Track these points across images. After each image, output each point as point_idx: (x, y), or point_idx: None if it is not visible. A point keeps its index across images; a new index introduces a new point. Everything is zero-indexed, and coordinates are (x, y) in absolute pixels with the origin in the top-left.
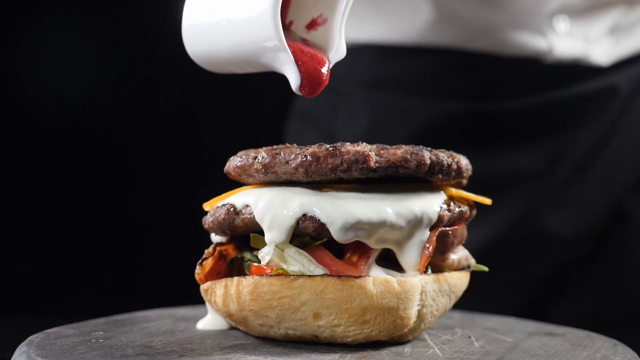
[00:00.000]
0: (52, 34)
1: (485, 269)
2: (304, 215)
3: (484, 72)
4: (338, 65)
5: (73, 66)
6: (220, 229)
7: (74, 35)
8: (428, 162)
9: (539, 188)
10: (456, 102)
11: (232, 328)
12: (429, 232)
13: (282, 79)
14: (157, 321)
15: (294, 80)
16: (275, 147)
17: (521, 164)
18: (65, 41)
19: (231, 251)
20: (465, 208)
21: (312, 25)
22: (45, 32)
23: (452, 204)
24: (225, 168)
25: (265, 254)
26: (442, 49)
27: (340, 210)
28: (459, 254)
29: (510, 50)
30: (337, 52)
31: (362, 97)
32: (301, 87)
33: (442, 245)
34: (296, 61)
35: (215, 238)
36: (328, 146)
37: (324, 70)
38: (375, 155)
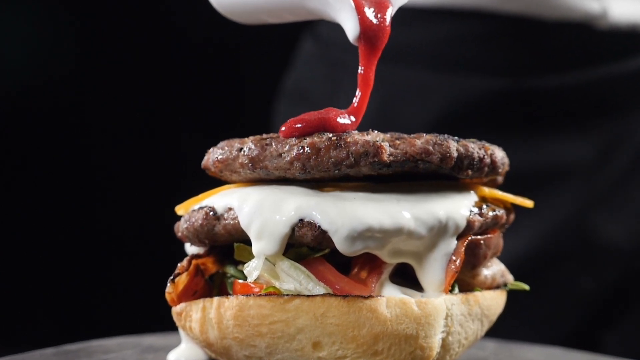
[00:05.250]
0: None
1: (526, 287)
2: (301, 220)
3: (522, 41)
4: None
5: (9, 31)
6: (197, 237)
7: None
8: (455, 154)
9: (591, 186)
10: (488, 78)
11: None
12: (455, 242)
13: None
14: (119, 352)
15: (352, 29)
16: (265, 136)
17: (569, 156)
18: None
19: (210, 265)
20: (500, 212)
21: None
22: None
23: (484, 206)
24: (204, 162)
25: (252, 269)
26: (471, 12)
27: (345, 214)
28: (493, 268)
29: (554, 12)
30: None
31: None
32: (360, 37)
33: (472, 258)
34: (355, 6)
35: (190, 249)
36: (330, 135)
37: (387, 16)
38: (389, 146)
